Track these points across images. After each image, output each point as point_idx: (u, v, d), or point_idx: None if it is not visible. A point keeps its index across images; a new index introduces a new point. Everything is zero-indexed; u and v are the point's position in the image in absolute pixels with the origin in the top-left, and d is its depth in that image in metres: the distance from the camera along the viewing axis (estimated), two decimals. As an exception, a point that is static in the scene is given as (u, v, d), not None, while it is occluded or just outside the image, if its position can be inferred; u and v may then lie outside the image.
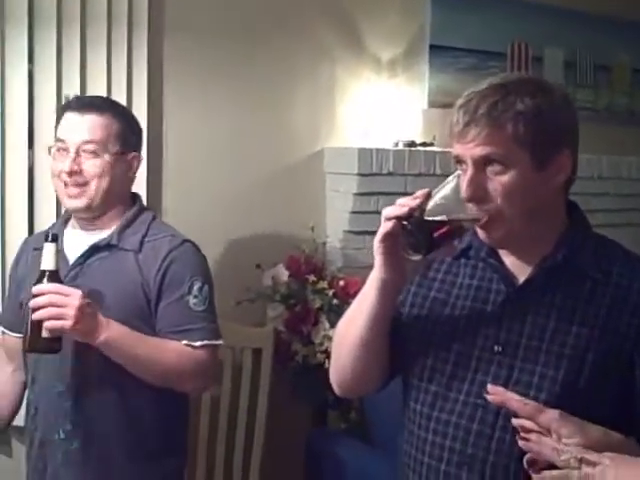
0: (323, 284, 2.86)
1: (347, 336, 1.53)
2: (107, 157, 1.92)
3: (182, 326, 1.91)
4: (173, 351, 1.89)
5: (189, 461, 2.68)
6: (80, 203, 1.93)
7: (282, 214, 3.08)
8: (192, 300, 1.92)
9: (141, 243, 1.95)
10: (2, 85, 2.54)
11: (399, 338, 1.53)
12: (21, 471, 2.14)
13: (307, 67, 3.09)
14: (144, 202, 2.16)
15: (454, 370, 1.46)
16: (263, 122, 3.02)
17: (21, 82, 2.57)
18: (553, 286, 1.44)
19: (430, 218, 1.34)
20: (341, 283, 2.86)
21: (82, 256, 1.94)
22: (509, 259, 1.49)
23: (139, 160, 2.04)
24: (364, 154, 3.04)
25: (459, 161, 1.42)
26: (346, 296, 2.86)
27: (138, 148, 2.04)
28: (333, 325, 2.84)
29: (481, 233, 1.44)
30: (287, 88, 3.06)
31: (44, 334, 1.74)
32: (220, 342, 1.99)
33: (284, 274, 2.89)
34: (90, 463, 1.93)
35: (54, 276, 1.75)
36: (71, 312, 1.72)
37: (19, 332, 1.93)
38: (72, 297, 1.73)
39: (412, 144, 3.14)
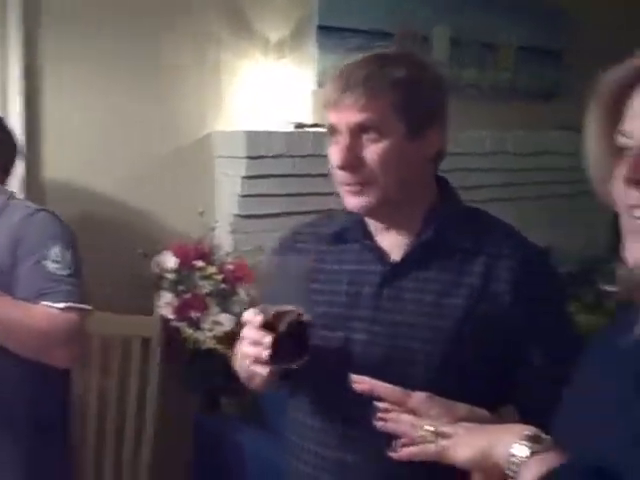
0: (212, 269, 2.84)
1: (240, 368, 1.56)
2: None
3: (42, 290, 1.83)
4: (35, 312, 1.81)
5: (78, 454, 2.68)
6: None
7: (171, 200, 3.03)
8: (51, 265, 1.85)
9: None
10: None
11: None
12: None
13: (193, 49, 3.02)
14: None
15: None
16: (148, 106, 2.94)
17: None
18: (428, 262, 1.46)
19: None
20: (230, 267, 2.84)
21: None
22: (384, 239, 1.51)
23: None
24: (252, 137, 3.01)
25: (334, 131, 1.44)
26: (235, 280, 2.86)
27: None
28: (223, 310, 2.84)
29: (353, 201, 1.45)
30: (173, 71, 2.98)
31: None
32: (86, 307, 1.90)
33: (172, 261, 2.85)
34: None
35: None
36: None
37: None
38: None
39: (301, 125, 3.13)
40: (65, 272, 1.87)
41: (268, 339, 1.34)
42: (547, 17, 4.08)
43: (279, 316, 1.36)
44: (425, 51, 3.61)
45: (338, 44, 3.28)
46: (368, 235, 1.52)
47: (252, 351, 1.37)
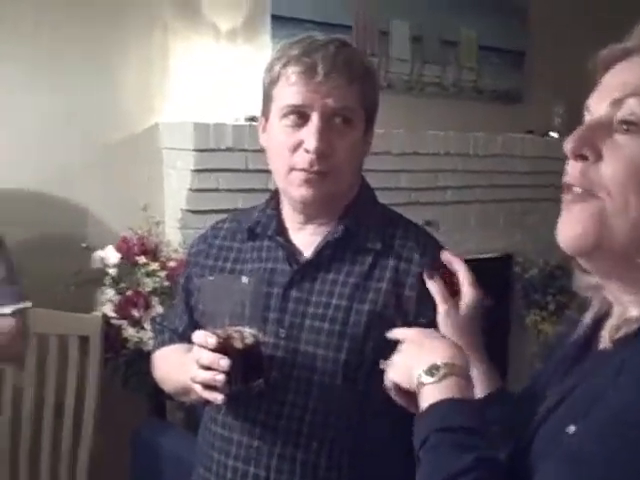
0: (154, 266, 2.70)
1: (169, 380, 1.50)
2: None
3: None
4: None
5: (8, 456, 2.53)
6: None
7: (116, 193, 2.91)
8: None
9: None
10: None
11: None
12: None
13: (139, 35, 2.90)
14: None
15: None
16: (92, 94, 2.82)
17: None
18: (337, 262, 1.39)
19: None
20: (172, 264, 2.71)
21: None
22: (298, 236, 1.43)
23: None
24: (201, 129, 2.89)
25: (294, 115, 1.33)
26: (179, 278, 2.72)
27: None
28: (167, 309, 2.70)
29: (307, 191, 1.35)
30: (118, 58, 2.87)
31: None
32: (29, 304, 1.90)
33: (114, 256, 2.71)
34: None
35: None
36: None
37: None
38: None
39: (253, 119, 3.01)
40: (3, 274, 1.85)
41: (225, 362, 1.23)
42: (510, 17, 4.01)
43: (231, 337, 1.25)
44: (383, 45, 3.52)
45: (293, 35, 3.13)
46: (283, 231, 1.43)
47: (205, 376, 1.25)
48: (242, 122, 3.01)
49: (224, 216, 1.61)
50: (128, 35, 2.87)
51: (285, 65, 1.33)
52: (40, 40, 2.71)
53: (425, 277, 1.29)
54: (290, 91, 1.33)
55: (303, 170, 1.34)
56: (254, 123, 3.01)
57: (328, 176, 1.34)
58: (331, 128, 1.32)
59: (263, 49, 3.13)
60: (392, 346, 1.23)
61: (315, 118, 1.32)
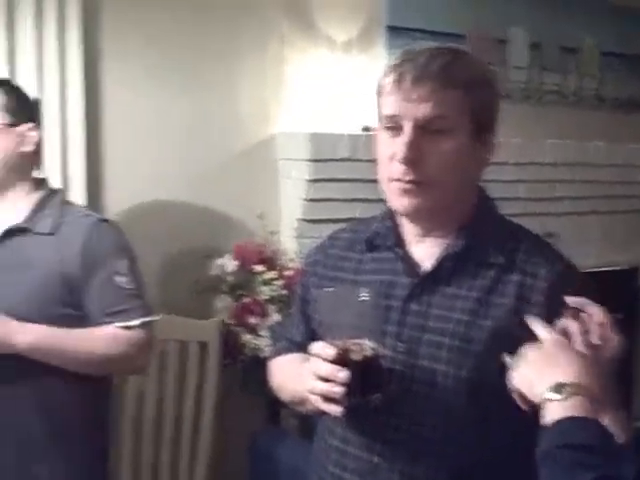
0: (271, 274, 2.75)
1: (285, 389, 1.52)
2: None
3: (115, 307, 1.84)
4: (106, 337, 1.83)
5: (130, 459, 2.62)
6: None
7: (234, 203, 2.97)
8: (120, 279, 1.86)
9: (56, 226, 1.86)
10: None
11: None
12: None
13: (256, 49, 2.96)
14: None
15: None
16: (210, 106, 2.89)
17: None
18: (457, 275, 1.35)
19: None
20: (288, 273, 2.75)
21: None
22: (419, 248, 1.40)
23: (35, 132, 1.91)
24: (317, 139, 2.92)
25: (391, 125, 1.32)
26: (295, 286, 2.76)
27: (32, 119, 1.93)
28: (283, 317, 2.74)
29: (404, 202, 1.33)
30: (235, 70, 2.93)
31: None
32: (155, 317, 1.93)
33: (232, 264, 2.77)
34: (6, 459, 1.83)
35: None
36: None
37: None
38: None
39: (368, 129, 3.03)
40: (133, 285, 1.88)
41: (343, 374, 1.22)
42: (632, 22, 3.89)
43: (350, 349, 1.24)
44: (500, 54, 3.48)
45: (407, 45, 3.15)
46: (401, 243, 1.41)
47: (322, 387, 1.25)
48: (357, 132, 3.02)
49: (340, 226, 1.62)
50: (244, 47, 2.93)
51: (385, 75, 1.34)
52: (163, 54, 2.80)
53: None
54: (386, 101, 1.33)
55: (398, 180, 1.32)
56: (369, 133, 3.03)
57: (423, 186, 1.31)
58: (424, 137, 1.30)
59: (378, 60, 3.13)
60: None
61: (406, 127, 1.30)
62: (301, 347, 1.49)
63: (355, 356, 1.23)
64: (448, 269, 1.36)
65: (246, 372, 2.77)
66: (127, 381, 2.61)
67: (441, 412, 1.31)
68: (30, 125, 1.90)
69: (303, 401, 1.37)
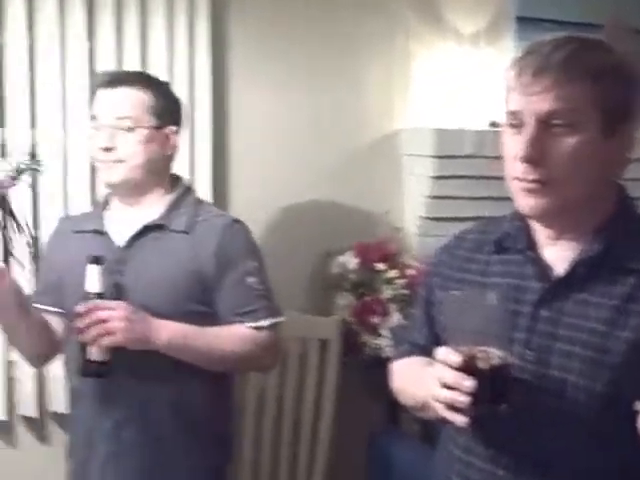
0: (393, 273, 2.70)
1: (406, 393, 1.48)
2: (142, 131, 1.85)
3: (245, 307, 1.86)
4: (235, 336, 1.85)
5: (253, 454, 2.64)
6: (115, 178, 1.87)
7: (357, 198, 2.93)
8: (251, 280, 1.88)
9: (191, 224, 1.88)
10: (62, 63, 2.48)
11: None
12: (58, 459, 2.09)
13: (381, 42, 2.90)
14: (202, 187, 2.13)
15: None
16: (333, 101, 2.86)
17: (82, 60, 2.49)
18: (592, 281, 1.26)
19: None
20: (412, 272, 2.69)
21: (131, 238, 1.88)
22: (550, 251, 1.32)
23: (177, 135, 1.94)
24: (441, 135, 2.84)
25: (514, 122, 1.25)
26: (418, 286, 2.69)
27: (176, 122, 1.95)
28: (404, 317, 2.69)
29: (529, 202, 1.26)
30: (360, 64, 2.89)
31: (93, 356, 1.71)
32: (283, 319, 1.93)
33: (353, 262, 2.74)
34: (142, 455, 1.86)
35: (99, 298, 1.72)
36: (118, 324, 1.68)
37: (54, 306, 1.94)
38: (116, 309, 1.70)
39: (495, 124, 2.93)
40: (263, 286, 1.90)
41: (470, 383, 1.16)
42: None
43: (476, 357, 1.18)
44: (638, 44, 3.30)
45: (539, 37, 3.04)
46: (532, 245, 1.34)
47: (447, 395, 1.19)
48: (484, 127, 2.93)
49: (464, 225, 1.55)
50: (370, 41, 2.89)
51: (509, 69, 1.27)
52: (289, 50, 2.80)
53: None
54: (509, 97, 1.27)
55: (520, 179, 1.25)
56: (496, 129, 2.93)
57: (549, 186, 1.23)
58: (548, 133, 1.22)
59: (506, 52, 3.02)
60: None
61: (527, 124, 1.23)
62: (424, 350, 1.44)
63: (482, 364, 1.17)
64: (582, 274, 1.27)
65: (366, 371, 2.74)
66: (248, 378, 2.62)
67: (570, 425, 1.24)
68: (173, 128, 1.92)
69: (425, 407, 1.32)
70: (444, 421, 1.25)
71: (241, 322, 1.85)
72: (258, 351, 1.87)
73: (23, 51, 2.44)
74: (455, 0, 2.95)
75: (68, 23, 2.46)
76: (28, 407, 2.56)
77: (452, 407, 1.19)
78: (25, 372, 2.50)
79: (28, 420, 2.60)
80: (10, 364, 2.52)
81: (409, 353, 1.54)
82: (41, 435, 2.63)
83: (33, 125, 2.47)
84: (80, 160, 2.47)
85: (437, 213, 2.93)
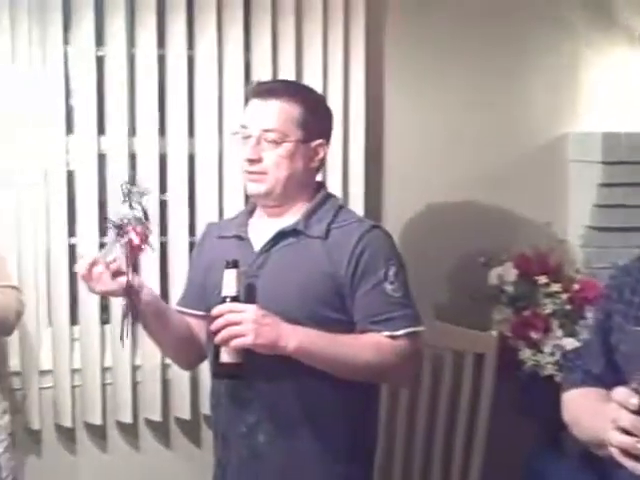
0: (556, 287, 2.56)
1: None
2: (287, 146, 1.83)
3: (382, 315, 1.81)
4: (370, 345, 1.80)
5: (402, 469, 2.58)
6: (259, 190, 1.87)
7: (518, 207, 2.83)
8: (389, 287, 1.82)
9: (327, 230, 1.86)
10: (191, 73, 2.53)
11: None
12: (207, 462, 2.11)
13: (548, 43, 2.80)
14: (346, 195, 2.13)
15: None
16: (496, 106, 2.79)
17: (212, 70, 2.53)
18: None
19: None
20: (575, 287, 2.54)
21: (268, 243, 1.88)
22: None
23: (325, 148, 1.91)
24: (609, 139, 2.70)
25: None
26: (582, 301, 2.55)
27: (324, 135, 1.91)
28: (567, 334, 2.55)
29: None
30: (525, 67, 2.80)
31: (225, 359, 1.73)
32: (422, 328, 1.86)
33: (512, 273, 2.62)
34: (276, 459, 1.85)
35: (234, 302, 1.73)
36: (248, 327, 1.68)
37: (200, 310, 1.96)
38: (247, 312, 1.70)
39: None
40: (401, 293, 1.83)
41: None
42: None
43: None
44: None
45: None
46: None
47: (622, 440, 1.12)
48: (658, 132, 2.75)
49: (632, 235, 1.43)
50: (538, 44, 2.79)
51: None
52: (450, 50, 2.75)
53: None
54: None
55: None
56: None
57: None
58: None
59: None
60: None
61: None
62: (598, 380, 1.37)
63: None
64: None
65: (523, 389, 2.61)
66: (399, 389, 2.56)
67: None
68: (320, 141, 1.89)
69: (599, 445, 1.23)
70: (619, 465, 1.16)
71: (378, 330, 1.80)
72: (395, 361, 1.81)
73: (183, 63, 2.51)
74: (626, 1, 2.79)
75: (227, 37, 2.52)
76: (183, 410, 2.62)
77: (628, 453, 1.10)
78: (178, 374, 2.55)
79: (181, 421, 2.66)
80: (135, 368, 2.56)
81: (582, 383, 1.45)
82: (194, 437, 2.69)
83: (162, 133, 2.53)
84: (235, 168, 2.50)
85: (604, 223, 2.80)
